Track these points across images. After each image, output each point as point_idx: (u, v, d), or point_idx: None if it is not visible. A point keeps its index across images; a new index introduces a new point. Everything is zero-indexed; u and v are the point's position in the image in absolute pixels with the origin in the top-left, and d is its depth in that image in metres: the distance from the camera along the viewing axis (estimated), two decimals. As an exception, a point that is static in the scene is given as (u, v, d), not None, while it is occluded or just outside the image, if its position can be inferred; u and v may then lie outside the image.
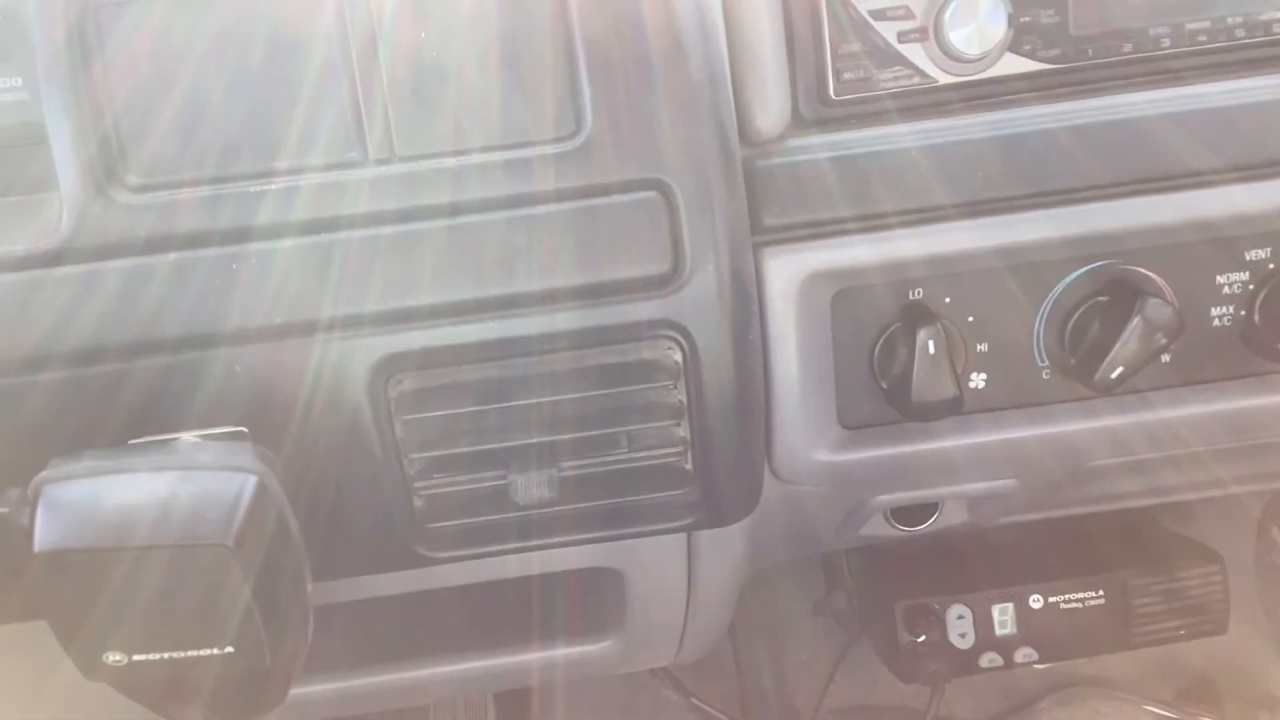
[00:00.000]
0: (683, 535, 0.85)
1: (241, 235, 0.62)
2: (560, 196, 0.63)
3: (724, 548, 0.87)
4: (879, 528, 0.95)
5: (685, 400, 0.68)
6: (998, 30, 0.71)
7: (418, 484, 0.69)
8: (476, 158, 0.63)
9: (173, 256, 0.61)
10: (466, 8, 0.61)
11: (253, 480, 0.56)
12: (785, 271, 0.71)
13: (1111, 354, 0.72)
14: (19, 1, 0.66)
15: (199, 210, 0.61)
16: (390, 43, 0.61)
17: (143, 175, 0.61)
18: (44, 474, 0.56)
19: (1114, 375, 0.73)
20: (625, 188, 0.64)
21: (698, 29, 0.63)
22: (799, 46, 0.72)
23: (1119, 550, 1.23)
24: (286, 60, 0.61)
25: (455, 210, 0.63)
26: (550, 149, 0.63)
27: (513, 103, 0.63)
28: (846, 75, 0.72)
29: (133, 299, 0.61)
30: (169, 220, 0.61)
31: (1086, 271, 0.75)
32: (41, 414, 0.62)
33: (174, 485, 0.54)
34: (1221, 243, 0.75)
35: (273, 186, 0.62)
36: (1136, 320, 0.71)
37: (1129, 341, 0.72)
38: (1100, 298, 0.75)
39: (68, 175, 0.61)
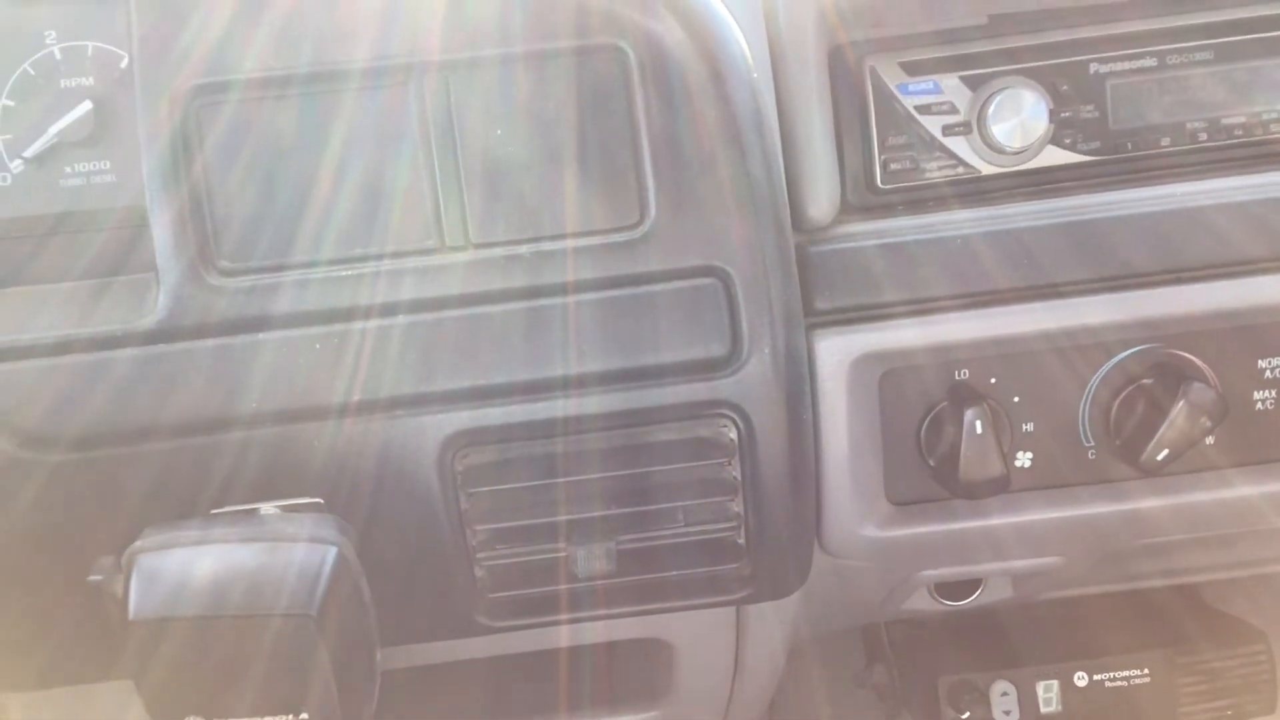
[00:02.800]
0: (732, 608, 0.86)
1: (324, 317, 0.65)
2: (626, 282, 0.67)
3: (772, 620, 0.88)
4: (923, 602, 0.96)
5: (740, 477, 0.71)
6: (1039, 125, 0.74)
7: (480, 554, 0.72)
8: (546, 245, 0.67)
9: (260, 337, 0.65)
10: (541, 106, 0.66)
11: (334, 552, 0.59)
12: (836, 353, 0.73)
13: (1157, 436, 0.74)
14: (112, 91, 0.71)
15: (286, 294, 0.65)
16: (468, 138, 0.66)
17: (235, 260, 0.66)
18: (137, 544, 0.59)
19: (1160, 457, 0.74)
20: (686, 274, 0.67)
21: (755, 127, 0.67)
22: (848, 139, 0.76)
23: (1163, 627, 1.22)
24: (371, 155, 0.65)
25: (525, 295, 0.67)
26: (616, 237, 0.66)
27: (581, 194, 0.67)
28: (893, 166, 0.76)
29: (222, 377, 0.65)
30: (257, 303, 0.65)
31: (1130, 355, 0.77)
32: (133, 484, 0.66)
33: (260, 556, 0.57)
34: (1262, 329, 0.77)
35: (355, 272, 0.66)
36: (1181, 404, 0.73)
37: (1174, 424, 0.73)
38: (1145, 381, 0.77)
39: (166, 259, 0.65)
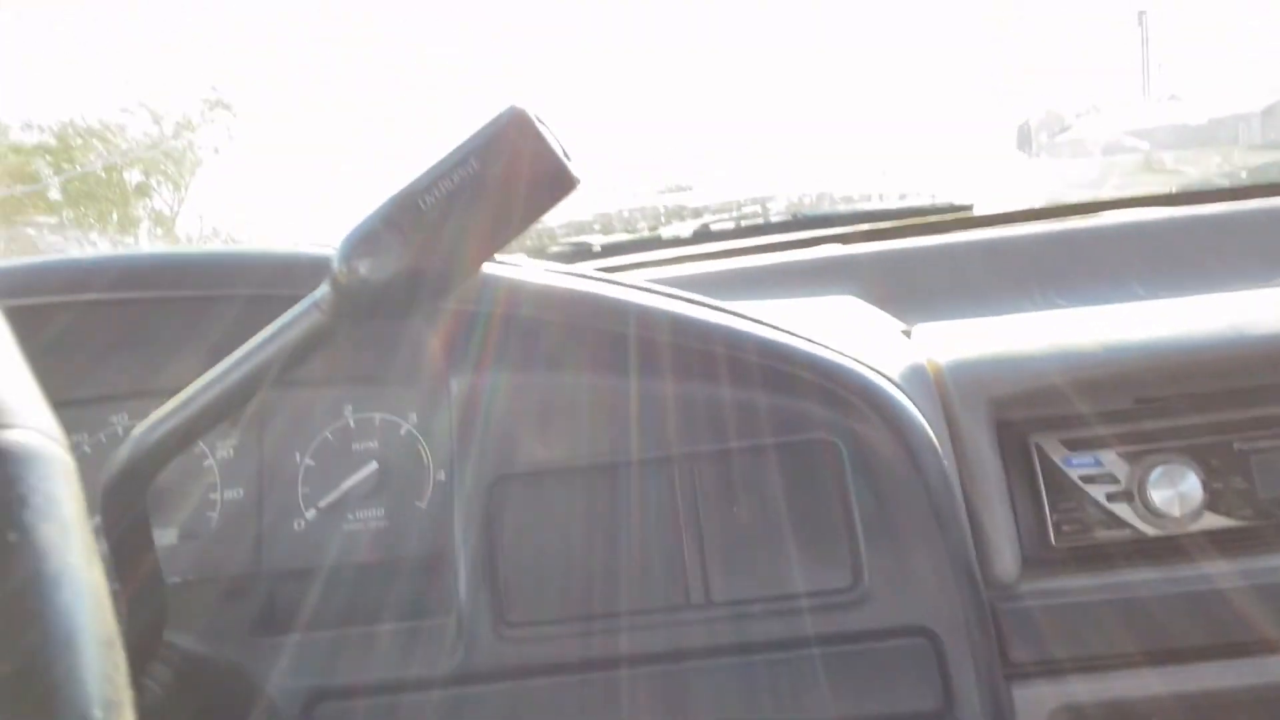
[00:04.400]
0: None
1: (592, 664, 0.78)
2: (845, 639, 0.78)
3: None
4: None
5: (955, 815, 0.77)
6: (1195, 495, 0.85)
7: None
8: (776, 604, 0.79)
9: (540, 681, 0.77)
10: (771, 486, 0.81)
11: None
12: (1032, 703, 0.81)
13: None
14: (391, 453, 0.89)
15: (562, 644, 0.78)
16: (711, 513, 0.80)
17: (521, 614, 0.79)
18: None
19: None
20: (898, 633, 0.78)
21: (950, 504, 0.80)
22: (1021, 504, 0.87)
23: None
24: (635, 527, 0.80)
25: (755, 648, 0.78)
26: (836, 599, 0.78)
27: (804, 560, 0.79)
28: (1065, 527, 0.87)
29: (505, 716, 0.77)
30: (539, 652, 0.78)
31: (1313, 708, 0.82)
32: None
33: None
34: None
35: (618, 625, 0.79)
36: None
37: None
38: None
39: (468, 612, 0.79)
